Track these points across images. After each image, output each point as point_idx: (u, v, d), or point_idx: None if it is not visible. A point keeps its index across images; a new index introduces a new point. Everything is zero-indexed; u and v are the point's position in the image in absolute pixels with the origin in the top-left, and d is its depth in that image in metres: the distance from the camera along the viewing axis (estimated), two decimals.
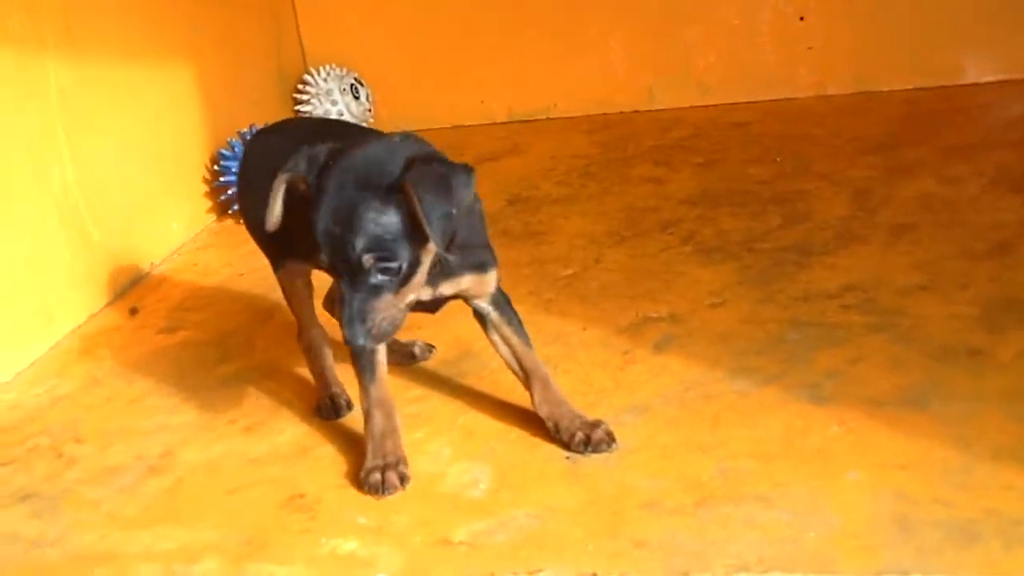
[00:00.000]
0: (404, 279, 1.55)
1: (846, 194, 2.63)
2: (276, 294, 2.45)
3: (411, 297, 1.59)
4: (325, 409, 1.96)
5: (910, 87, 3.45)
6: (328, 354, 2.01)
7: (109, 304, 2.58)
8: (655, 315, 2.14)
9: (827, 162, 2.88)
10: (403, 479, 1.70)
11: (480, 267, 1.73)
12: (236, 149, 2.97)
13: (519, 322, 1.81)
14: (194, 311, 2.49)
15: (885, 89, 3.48)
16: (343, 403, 1.96)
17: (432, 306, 1.75)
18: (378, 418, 1.76)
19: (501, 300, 1.79)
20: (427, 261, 1.58)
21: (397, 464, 1.72)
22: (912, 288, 2.10)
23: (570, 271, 2.39)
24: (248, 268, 2.69)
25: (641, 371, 1.94)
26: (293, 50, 3.69)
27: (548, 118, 3.70)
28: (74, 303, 2.48)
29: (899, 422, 1.68)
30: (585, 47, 3.62)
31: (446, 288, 1.71)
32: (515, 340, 1.79)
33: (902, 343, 1.91)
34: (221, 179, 2.98)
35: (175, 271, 2.75)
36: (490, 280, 1.75)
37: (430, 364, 2.07)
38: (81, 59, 2.55)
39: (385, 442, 1.74)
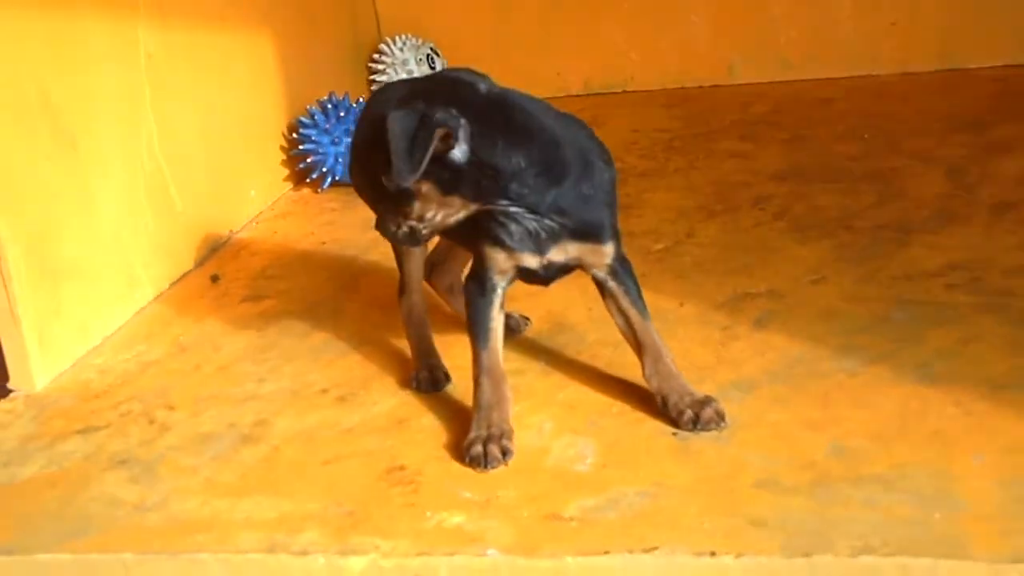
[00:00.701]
0: None
1: (940, 172, 2.57)
2: (361, 262, 2.45)
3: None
4: (423, 382, 1.91)
5: (1000, 64, 3.37)
6: (427, 323, 1.98)
7: (191, 271, 2.55)
8: (753, 291, 2.10)
9: (916, 140, 2.81)
10: (506, 453, 1.66)
11: (590, 236, 1.68)
12: (315, 117, 2.94)
13: (638, 293, 1.76)
14: (277, 279, 2.47)
15: (973, 66, 3.39)
16: (441, 375, 1.92)
17: (545, 277, 1.71)
18: (487, 387, 1.71)
19: (619, 270, 1.74)
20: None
21: (501, 437, 1.67)
22: (1020, 269, 2.03)
23: (661, 245, 2.35)
24: (330, 237, 2.66)
25: (743, 348, 1.90)
26: (368, 19, 3.65)
27: (625, 91, 3.64)
28: (157, 269, 2.46)
29: (1021, 404, 1.62)
30: (665, 19, 3.56)
31: (555, 255, 1.68)
32: (631, 311, 1.76)
33: (1015, 324, 1.85)
34: (300, 147, 2.95)
35: (255, 239, 2.73)
36: (604, 251, 1.70)
37: (525, 337, 2.03)
38: (168, 25, 2.52)
39: (491, 413, 1.70)
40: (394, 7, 3.70)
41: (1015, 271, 2.03)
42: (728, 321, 1.99)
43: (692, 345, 1.92)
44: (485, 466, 1.65)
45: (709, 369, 1.83)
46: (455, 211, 1.63)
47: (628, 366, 1.83)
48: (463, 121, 1.55)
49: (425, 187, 1.58)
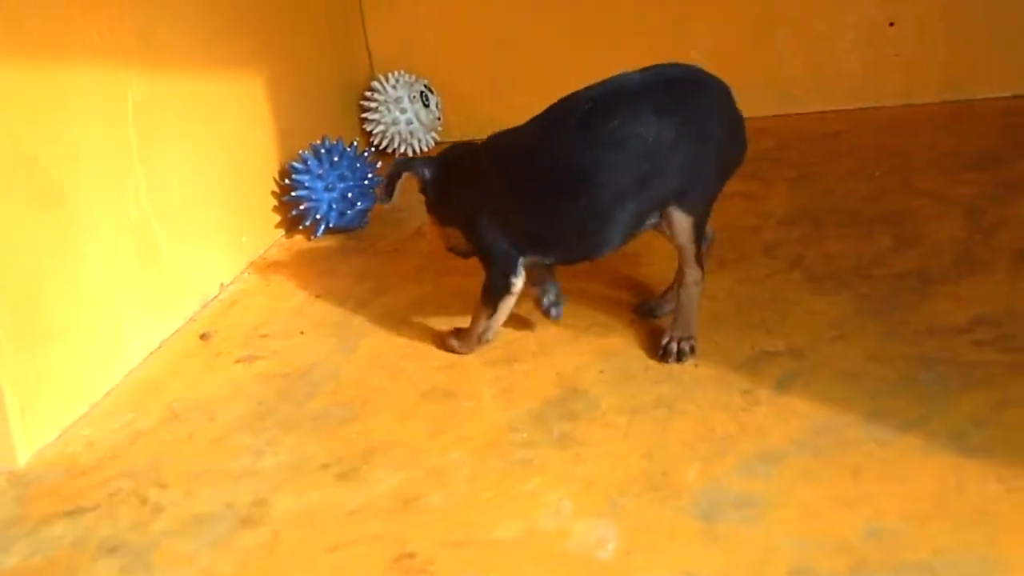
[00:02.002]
0: None
1: (957, 213, 2.49)
2: (358, 318, 2.35)
3: None
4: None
5: (1005, 95, 3.31)
6: None
7: (181, 328, 2.46)
8: (772, 349, 2.01)
9: (929, 177, 2.74)
10: (694, 350, 2.00)
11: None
12: (308, 162, 2.85)
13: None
14: (272, 338, 2.37)
15: (978, 97, 3.34)
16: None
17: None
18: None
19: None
20: None
21: (693, 338, 2.01)
22: None
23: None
24: (325, 289, 2.57)
25: (766, 413, 1.81)
26: (360, 57, 3.58)
27: None
28: (146, 327, 2.36)
29: None
30: (666, 54, 3.44)
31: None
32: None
33: None
34: (292, 193, 2.86)
35: (247, 292, 2.63)
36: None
37: (534, 405, 1.93)
38: (157, 73, 2.43)
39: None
40: (387, 44, 3.62)
41: None
42: (748, 383, 1.90)
43: (712, 411, 1.83)
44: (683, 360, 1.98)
45: (731, 439, 1.74)
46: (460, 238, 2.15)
47: (647, 435, 1.75)
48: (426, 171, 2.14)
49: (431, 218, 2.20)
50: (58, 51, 2.13)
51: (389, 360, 2.18)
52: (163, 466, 1.90)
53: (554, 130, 1.98)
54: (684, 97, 1.98)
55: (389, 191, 2.12)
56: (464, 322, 2.18)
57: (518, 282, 2.07)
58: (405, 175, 2.12)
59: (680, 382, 1.93)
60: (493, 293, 2.08)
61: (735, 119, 2.07)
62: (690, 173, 1.94)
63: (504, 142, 2.08)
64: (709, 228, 2.10)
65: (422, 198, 2.19)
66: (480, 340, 2.13)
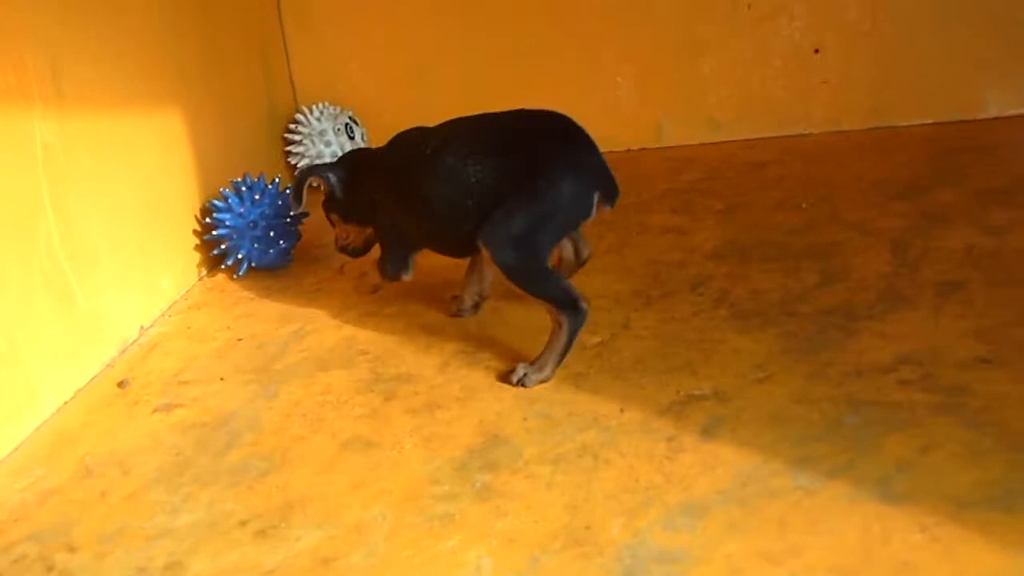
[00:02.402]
0: None
1: (882, 246, 2.48)
2: (280, 364, 2.30)
3: None
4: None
5: (929, 122, 3.34)
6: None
7: (98, 375, 2.39)
8: (698, 392, 1.98)
9: (855, 208, 2.73)
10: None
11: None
12: (229, 200, 2.79)
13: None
14: (191, 384, 2.31)
15: (903, 124, 3.36)
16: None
17: None
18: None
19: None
20: None
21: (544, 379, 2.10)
22: (973, 361, 1.94)
23: (598, 339, 2.23)
24: (247, 332, 2.51)
25: (691, 461, 1.78)
26: (284, 89, 3.52)
27: None
28: (59, 376, 2.29)
29: (989, 528, 1.51)
30: (591, 80, 3.47)
31: None
32: None
33: (974, 428, 1.75)
34: (213, 232, 2.79)
35: (167, 336, 2.57)
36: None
37: (456, 454, 1.89)
38: (67, 114, 2.36)
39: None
40: (310, 75, 3.58)
41: (967, 364, 1.93)
42: (674, 430, 1.87)
43: (637, 460, 1.79)
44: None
45: (656, 490, 1.71)
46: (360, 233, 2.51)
47: (570, 486, 1.72)
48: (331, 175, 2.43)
49: (334, 217, 2.51)
50: None
51: (309, 408, 2.13)
52: (73, 527, 1.84)
53: (414, 157, 2.25)
54: (519, 145, 2.14)
55: (298, 196, 2.40)
56: (388, 365, 2.14)
57: (406, 276, 2.39)
58: (310, 179, 2.41)
59: (605, 428, 1.90)
60: (384, 276, 2.42)
61: (586, 169, 2.14)
62: (504, 214, 2.07)
63: (392, 153, 2.37)
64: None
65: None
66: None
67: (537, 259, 2.09)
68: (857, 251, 2.47)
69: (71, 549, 1.78)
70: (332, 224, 2.54)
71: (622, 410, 1.95)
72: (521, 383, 2.09)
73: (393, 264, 2.38)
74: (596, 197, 2.13)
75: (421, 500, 1.76)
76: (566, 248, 2.36)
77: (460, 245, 2.25)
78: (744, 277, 2.42)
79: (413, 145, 2.30)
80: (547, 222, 2.09)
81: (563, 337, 2.09)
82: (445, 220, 2.19)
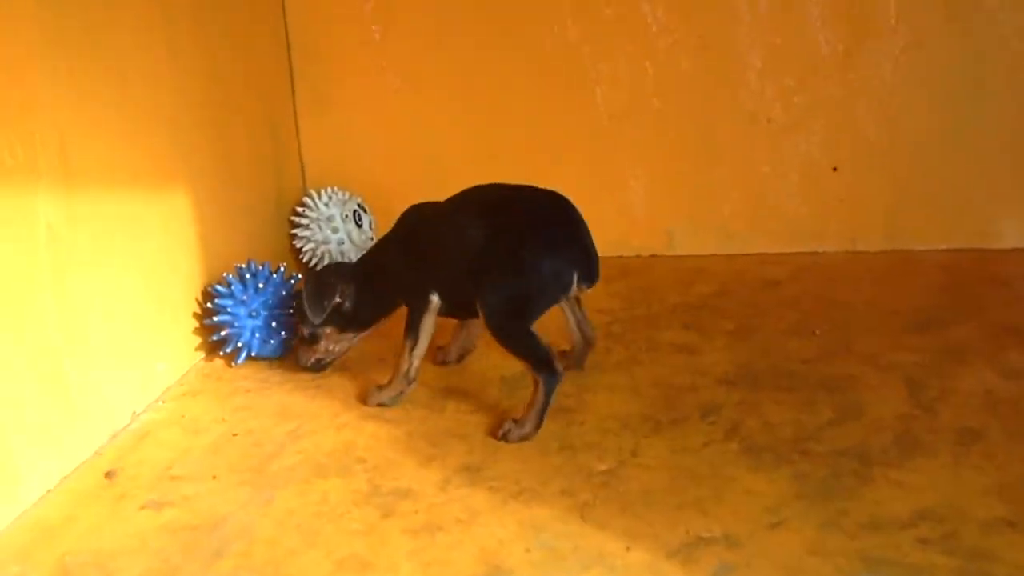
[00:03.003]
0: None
1: (897, 383, 2.43)
2: (276, 466, 2.23)
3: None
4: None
5: (944, 247, 3.30)
6: None
7: (85, 463, 2.31)
8: (707, 535, 1.91)
9: (870, 339, 2.68)
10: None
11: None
12: (232, 286, 2.73)
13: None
14: (183, 480, 2.23)
15: (918, 248, 3.32)
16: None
17: None
18: None
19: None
20: None
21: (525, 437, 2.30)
22: (996, 523, 1.88)
23: (605, 465, 2.16)
24: (243, 427, 2.44)
25: None
26: (293, 170, 3.47)
27: None
28: (45, 462, 2.21)
29: None
30: (602, 182, 3.44)
31: None
32: None
33: None
34: (214, 318, 2.73)
35: (160, 424, 2.49)
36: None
37: None
38: (73, 193, 2.31)
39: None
40: (321, 158, 3.54)
41: (990, 526, 1.87)
42: (682, 575, 1.80)
43: None
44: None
45: None
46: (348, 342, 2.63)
47: None
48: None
49: (327, 331, 2.60)
50: None
51: (304, 518, 2.05)
52: None
53: (431, 216, 2.55)
54: (515, 215, 2.39)
55: (319, 307, 2.49)
56: (387, 476, 2.07)
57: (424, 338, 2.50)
58: (336, 292, 2.53)
59: (611, 568, 1.83)
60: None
61: (569, 250, 2.38)
62: (494, 283, 2.32)
63: (404, 221, 2.58)
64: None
65: None
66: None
67: (524, 324, 2.32)
68: (871, 387, 2.42)
69: None
70: (311, 340, 2.61)
71: (628, 548, 1.88)
72: (504, 438, 2.27)
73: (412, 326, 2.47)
74: (575, 277, 2.36)
75: None
76: (575, 333, 2.59)
77: (461, 304, 2.42)
78: (756, 407, 2.36)
79: (426, 209, 2.55)
80: (532, 293, 2.33)
81: (540, 396, 2.28)
82: (450, 271, 2.40)
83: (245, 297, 2.70)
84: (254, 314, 2.70)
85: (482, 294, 2.32)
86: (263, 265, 2.79)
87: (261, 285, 2.73)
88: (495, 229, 2.35)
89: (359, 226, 3.35)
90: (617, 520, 1.97)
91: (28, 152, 2.17)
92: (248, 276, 2.74)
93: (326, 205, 3.33)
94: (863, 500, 1.98)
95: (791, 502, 1.99)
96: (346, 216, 3.32)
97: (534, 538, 1.93)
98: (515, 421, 2.29)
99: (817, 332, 2.74)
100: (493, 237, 2.34)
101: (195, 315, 2.81)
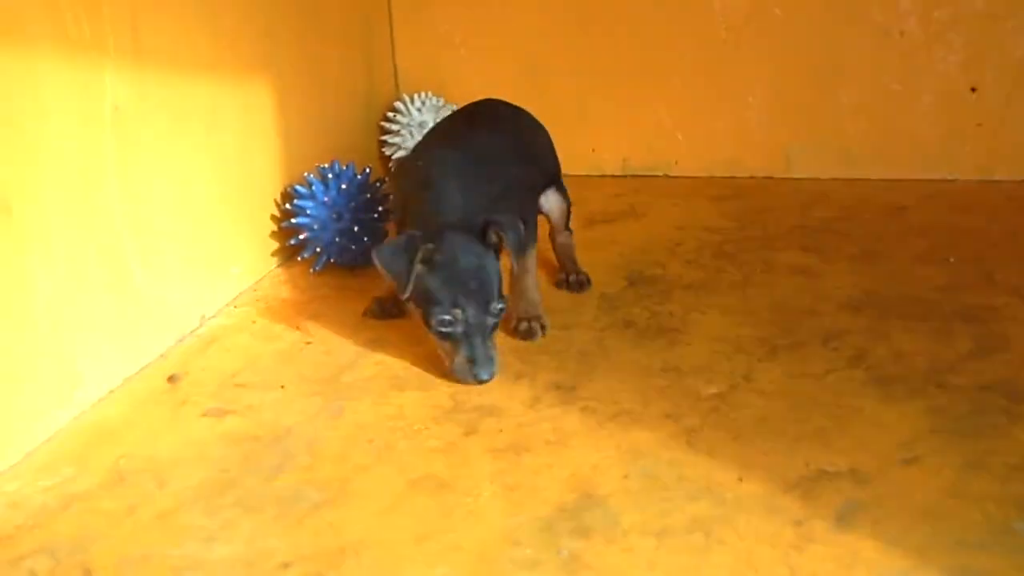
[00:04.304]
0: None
1: None
2: (348, 376, 2.04)
3: None
4: (374, 311, 2.32)
5: None
6: None
7: (149, 365, 2.14)
8: (831, 468, 1.67)
9: (1013, 270, 2.41)
10: (544, 328, 2.18)
11: None
12: (313, 187, 2.53)
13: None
14: (248, 388, 2.05)
15: None
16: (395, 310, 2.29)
17: None
18: (533, 280, 2.25)
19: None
20: None
21: (541, 317, 2.19)
22: None
23: (715, 389, 1.93)
24: (317, 335, 2.26)
25: (824, 555, 1.47)
26: (385, 73, 3.27)
27: (667, 175, 3.26)
28: (108, 361, 2.05)
29: None
30: (718, 98, 3.18)
31: None
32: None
33: None
34: (293, 220, 2.54)
35: (230, 329, 2.32)
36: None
37: (543, 512, 1.60)
38: (143, 74, 2.12)
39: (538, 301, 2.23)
40: (415, 61, 3.32)
41: None
42: (802, 512, 1.57)
43: (757, 545, 1.50)
44: (531, 337, 2.16)
45: None
46: None
47: (675, 568, 1.44)
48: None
49: None
50: (25, 39, 1.83)
51: (377, 433, 1.86)
52: (92, 545, 1.59)
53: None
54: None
55: (406, 280, 1.98)
56: (471, 392, 1.87)
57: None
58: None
59: (721, 500, 1.60)
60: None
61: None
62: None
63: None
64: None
65: None
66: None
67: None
68: (1018, 319, 2.16)
69: (86, 571, 1.52)
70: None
71: (740, 479, 1.66)
72: (531, 333, 2.19)
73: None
74: None
75: (497, 563, 1.49)
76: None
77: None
78: (884, 335, 2.11)
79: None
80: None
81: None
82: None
83: (327, 199, 2.51)
84: (337, 217, 2.51)
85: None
86: (347, 165, 2.59)
87: (344, 186, 2.53)
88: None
89: None
90: (728, 448, 1.75)
91: (95, 25, 1.99)
92: (331, 176, 2.54)
93: (419, 111, 3.13)
94: (1014, 440, 1.73)
95: (927, 437, 1.75)
96: None
97: (633, 464, 1.71)
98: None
99: (952, 260, 2.48)
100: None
101: (273, 217, 2.63)
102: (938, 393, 1.89)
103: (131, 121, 2.09)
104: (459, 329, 1.98)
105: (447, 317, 1.98)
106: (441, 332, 2.00)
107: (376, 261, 2.01)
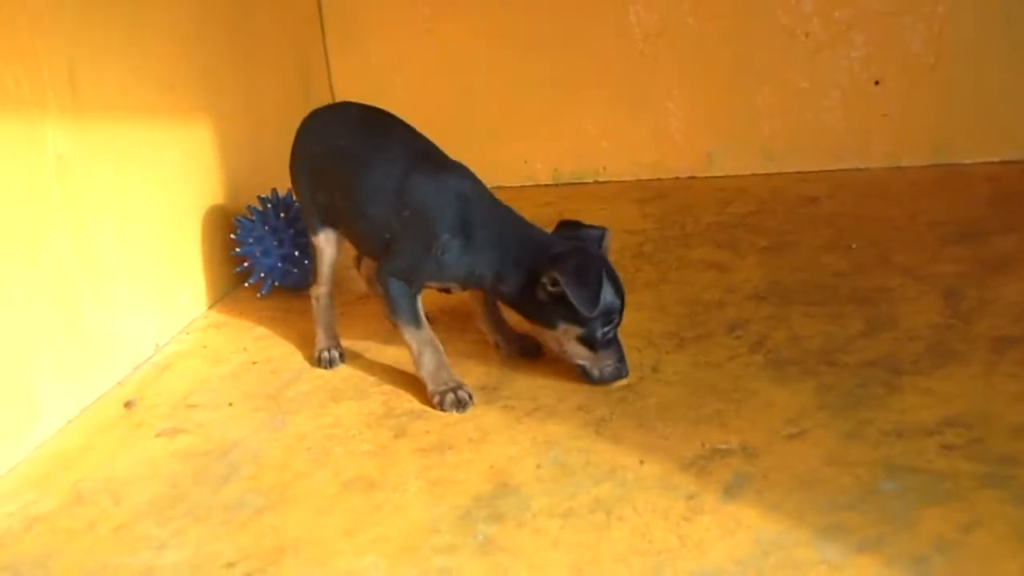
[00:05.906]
0: None
1: (934, 294, 2.34)
2: (291, 392, 2.20)
3: None
4: (323, 360, 2.32)
5: (994, 160, 3.16)
6: (331, 310, 2.39)
7: (106, 394, 2.30)
8: (724, 446, 1.85)
9: (908, 252, 2.58)
10: (471, 396, 2.07)
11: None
12: (255, 216, 2.69)
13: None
14: (199, 408, 2.21)
15: (966, 162, 3.19)
16: (339, 355, 2.34)
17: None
18: (429, 355, 2.10)
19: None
20: None
21: (460, 386, 2.08)
22: None
23: (624, 381, 2.10)
24: (262, 356, 2.42)
25: (710, 524, 1.64)
26: (323, 98, 3.42)
27: (596, 182, 3.43)
28: (64, 396, 2.21)
29: None
30: (639, 105, 3.35)
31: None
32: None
33: (1022, 505, 1.60)
34: (237, 249, 2.70)
35: (182, 355, 2.48)
36: None
37: (461, 502, 1.77)
38: (84, 123, 2.28)
39: (440, 372, 2.09)
40: (351, 88, 3.48)
41: (1019, 431, 1.79)
42: (695, 487, 1.74)
43: (652, 519, 1.67)
44: (460, 408, 2.05)
45: (670, 553, 1.58)
46: None
47: (578, 544, 1.61)
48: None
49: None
50: None
51: (315, 441, 2.02)
52: (54, 559, 1.75)
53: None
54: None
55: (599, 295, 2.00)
56: (403, 399, 2.03)
57: None
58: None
59: (622, 482, 1.77)
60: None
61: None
62: None
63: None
64: None
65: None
66: None
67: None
68: (907, 299, 2.33)
69: None
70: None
71: (642, 462, 1.83)
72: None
73: None
74: None
75: (419, 551, 1.65)
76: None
77: None
78: (785, 321, 2.29)
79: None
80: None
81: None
82: None
83: (268, 226, 2.67)
84: (280, 242, 2.67)
85: None
86: (286, 194, 2.75)
87: (283, 214, 2.69)
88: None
89: None
90: (632, 435, 1.92)
91: (34, 80, 2.14)
92: (270, 206, 2.70)
93: None
94: (889, 409, 1.91)
95: (813, 413, 1.92)
96: None
97: (545, 454, 1.88)
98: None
99: (854, 246, 2.65)
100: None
101: (218, 248, 2.78)
102: (828, 371, 2.06)
103: (75, 168, 2.25)
104: (614, 333, 2.06)
105: (611, 325, 2.04)
106: (607, 340, 2.05)
107: (572, 282, 1.98)
